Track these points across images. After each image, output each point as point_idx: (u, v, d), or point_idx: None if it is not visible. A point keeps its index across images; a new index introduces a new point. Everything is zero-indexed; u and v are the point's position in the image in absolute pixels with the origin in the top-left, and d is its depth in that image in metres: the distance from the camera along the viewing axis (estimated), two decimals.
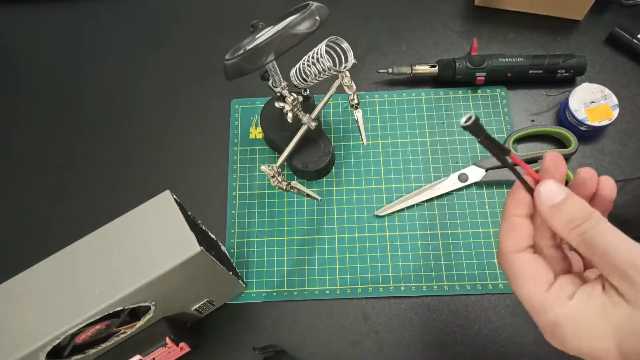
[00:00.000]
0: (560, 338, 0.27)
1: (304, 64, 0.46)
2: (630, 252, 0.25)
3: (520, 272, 0.28)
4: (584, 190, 0.30)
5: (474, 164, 0.56)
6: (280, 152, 0.49)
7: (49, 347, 0.36)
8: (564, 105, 0.56)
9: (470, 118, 0.26)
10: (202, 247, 0.38)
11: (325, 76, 0.46)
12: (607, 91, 0.55)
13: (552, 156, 0.29)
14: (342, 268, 0.53)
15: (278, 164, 0.47)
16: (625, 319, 0.25)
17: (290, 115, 0.49)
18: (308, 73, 0.46)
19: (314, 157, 0.55)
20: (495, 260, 0.52)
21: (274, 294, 0.52)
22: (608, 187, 0.30)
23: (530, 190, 0.29)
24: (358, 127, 0.51)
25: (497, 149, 0.28)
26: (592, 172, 0.29)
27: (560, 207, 0.27)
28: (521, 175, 0.29)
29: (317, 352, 0.50)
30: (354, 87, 0.50)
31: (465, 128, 0.26)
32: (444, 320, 0.50)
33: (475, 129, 0.27)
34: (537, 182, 0.29)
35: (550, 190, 0.28)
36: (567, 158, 0.55)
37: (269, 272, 0.53)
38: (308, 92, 0.54)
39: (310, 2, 0.42)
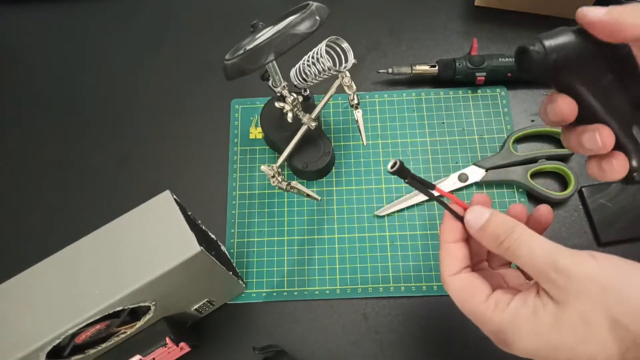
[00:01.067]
0: (505, 343, 0.29)
1: (304, 64, 0.46)
2: (550, 256, 0.27)
3: (460, 290, 0.31)
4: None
5: (474, 164, 0.56)
6: (280, 152, 0.49)
7: (49, 347, 0.36)
8: None
9: (395, 163, 0.29)
10: (202, 247, 0.38)
11: (325, 76, 0.46)
12: None
13: (480, 198, 0.34)
14: (342, 268, 0.53)
15: (278, 164, 0.47)
16: (553, 317, 0.27)
17: (290, 115, 0.50)
18: (308, 73, 0.46)
19: (314, 157, 0.55)
20: None
21: (274, 294, 0.52)
22: (544, 215, 0.33)
23: (460, 218, 0.32)
24: (358, 127, 0.51)
25: (423, 187, 0.31)
26: (522, 209, 0.34)
27: (485, 227, 0.30)
28: (449, 205, 0.32)
29: (317, 352, 0.50)
30: (354, 87, 0.50)
31: (392, 173, 0.29)
32: (444, 320, 0.50)
33: (401, 172, 0.30)
34: (465, 209, 0.32)
35: (475, 215, 0.31)
36: (566, 158, 0.55)
37: (269, 272, 0.53)
38: (308, 92, 0.54)
39: (310, 2, 0.42)
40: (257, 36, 0.45)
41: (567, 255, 0.27)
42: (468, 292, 0.31)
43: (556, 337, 0.27)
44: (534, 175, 0.55)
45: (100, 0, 0.70)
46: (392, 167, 0.29)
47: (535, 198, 0.54)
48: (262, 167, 0.46)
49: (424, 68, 0.59)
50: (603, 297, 0.25)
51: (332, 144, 0.58)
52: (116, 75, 0.65)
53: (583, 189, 0.54)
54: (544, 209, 0.33)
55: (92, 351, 0.41)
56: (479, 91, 0.60)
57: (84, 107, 0.63)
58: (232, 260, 0.53)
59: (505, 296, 0.29)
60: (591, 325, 0.25)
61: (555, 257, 0.27)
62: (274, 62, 0.45)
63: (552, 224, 0.53)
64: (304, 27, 0.40)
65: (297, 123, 0.50)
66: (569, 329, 0.26)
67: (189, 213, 0.44)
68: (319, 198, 0.50)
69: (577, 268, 0.26)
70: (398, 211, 0.55)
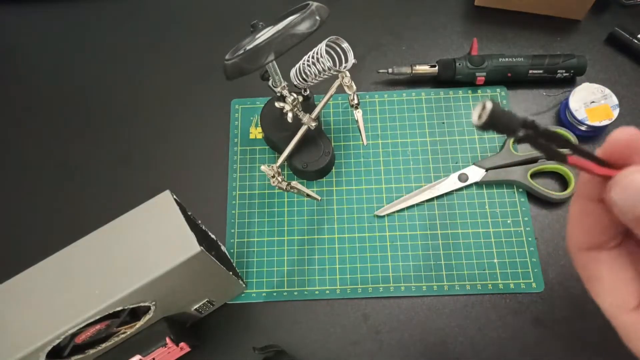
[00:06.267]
0: None
1: (304, 64, 0.46)
2: None
3: (595, 277, 0.20)
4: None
5: (474, 164, 0.56)
6: (280, 152, 0.49)
7: (49, 347, 0.36)
8: (564, 105, 0.56)
9: (484, 108, 0.16)
10: (202, 247, 0.38)
11: (325, 76, 0.46)
12: (607, 91, 0.55)
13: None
14: (342, 268, 0.53)
15: (278, 164, 0.47)
16: None
17: (290, 115, 0.50)
18: (308, 73, 0.46)
19: (314, 157, 0.55)
20: (496, 260, 0.52)
21: (274, 294, 0.52)
22: None
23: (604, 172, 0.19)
24: (358, 127, 0.51)
25: (549, 149, 0.18)
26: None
27: None
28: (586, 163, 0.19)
29: (317, 352, 0.50)
30: (354, 87, 0.50)
31: (480, 128, 0.17)
32: (444, 320, 0.50)
33: (495, 124, 0.16)
34: (605, 177, 0.19)
35: (633, 192, 0.17)
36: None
37: (269, 272, 0.53)
38: (308, 92, 0.54)
39: (310, 2, 0.42)
40: (257, 36, 0.45)
41: None
42: (607, 286, 0.20)
43: None
44: (534, 175, 0.55)
45: (100, 1, 0.70)
46: (479, 118, 0.16)
47: (535, 198, 0.54)
48: (262, 167, 0.46)
49: (424, 68, 0.59)
50: None
51: (332, 144, 0.58)
52: (116, 75, 0.65)
53: None
54: None
55: (92, 351, 0.41)
56: (479, 91, 0.60)
57: (83, 107, 0.63)
58: (232, 260, 0.53)
59: None
60: None
61: None
62: (274, 62, 0.45)
63: (552, 224, 0.53)
64: (304, 27, 0.40)
65: (297, 123, 0.50)
66: None
67: (189, 213, 0.44)
68: (319, 198, 0.50)
69: None
70: (398, 211, 0.55)
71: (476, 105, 0.17)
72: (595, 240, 0.20)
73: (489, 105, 0.16)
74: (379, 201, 0.55)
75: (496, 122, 0.16)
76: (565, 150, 0.19)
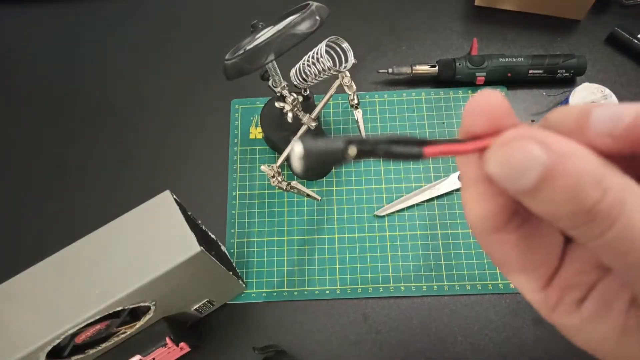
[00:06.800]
0: (567, 337, 0.19)
1: (304, 64, 0.46)
2: None
3: (502, 261, 0.19)
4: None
5: None
6: (280, 152, 0.49)
7: (49, 347, 0.36)
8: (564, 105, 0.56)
9: (295, 152, 0.14)
10: (202, 247, 0.38)
11: (325, 76, 0.46)
12: (607, 91, 0.55)
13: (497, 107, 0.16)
14: (342, 268, 0.53)
15: (278, 164, 0.47)
16: None
17: (290, 115, 0.50)
18: (308, 73, 0.46)
19: None
20: None
21: (274, 294, 0.52)
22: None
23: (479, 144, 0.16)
24: (358, 127, 0.51)
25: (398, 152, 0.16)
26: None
27: (549, 181, 0.14)
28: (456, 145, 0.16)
29: (317, 352, 0.50)
30: (354, 87, 0.50)
31: (303, 174, 0.14)
32: (444, 320, 0.50)
33: (317, 160, 0.14)
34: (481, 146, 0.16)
35: (520, 158, 0.14)
36: None
37: (269, 272, 0.53)
38: (308, 92, 0.54)
39: (310, 2, 0.42)
40: (257, 36, 0.45)
41: None
42: (514, 267, 0.18)
43: None
44: None
45: (100, 1, 0.70)
46: (300, 166, 0.15)
47: None
48: (262, 167, 0.46)
49: (424, 68, 0.59)
50: None
51: None
52: (116, 75, 0.65)
53: None
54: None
55: (92, 351, 0.41)
56: (479, 91, 0.60)
57: (84, 108, 0.63)
58: (232, 260, 0.53)
59: (574, 289, 0.17)
60: None
61: None
62: (274, 62, 0.45)
63: None
64: (304, 27, 0.40)
65: (297, 123, 0.50)
66: None
67: (189, 213, 0.44)
68: (319, 198, 0.50)
69: None
70: (398, 211, 0.55)
71: (290, 156, 0.12)
72: (496, 223, 0.18)
73: (298, 148, 0.14)
74: (379, 201, 0.55)
75: (317, 159, 0.14)
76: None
